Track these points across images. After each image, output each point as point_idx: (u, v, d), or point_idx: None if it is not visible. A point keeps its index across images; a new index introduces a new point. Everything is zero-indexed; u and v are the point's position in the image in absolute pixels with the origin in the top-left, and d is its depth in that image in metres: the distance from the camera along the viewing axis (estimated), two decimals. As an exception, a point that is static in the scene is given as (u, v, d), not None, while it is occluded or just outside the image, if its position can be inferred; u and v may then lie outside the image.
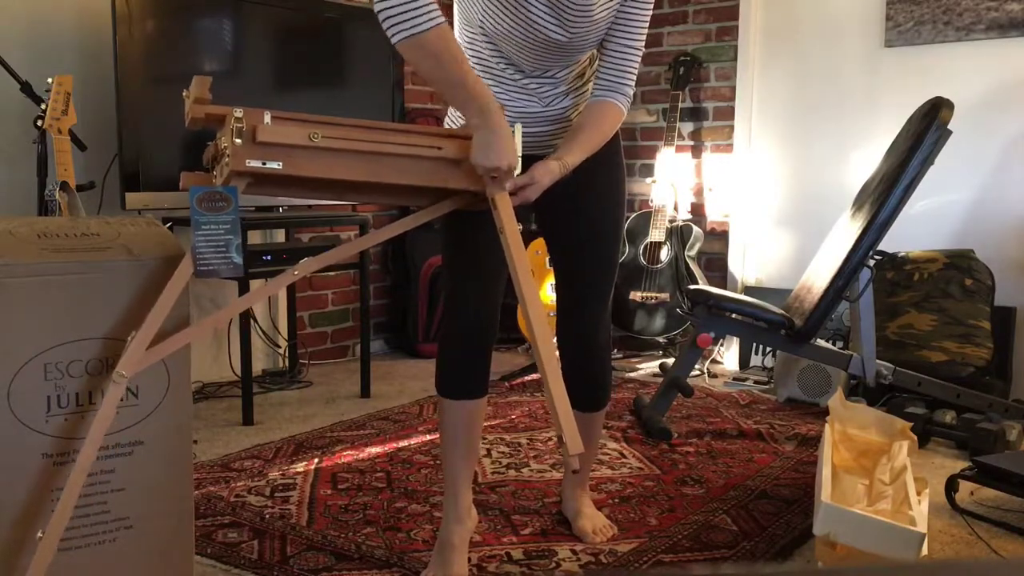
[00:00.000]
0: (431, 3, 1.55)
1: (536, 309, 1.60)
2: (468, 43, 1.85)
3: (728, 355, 4.10)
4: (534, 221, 2.01)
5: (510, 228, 1.63)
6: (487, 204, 1.68)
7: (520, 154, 1.69)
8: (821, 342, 3.16)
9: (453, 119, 1.93)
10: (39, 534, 1.39)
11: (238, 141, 1.44)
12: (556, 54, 1.79)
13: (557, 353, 1.71)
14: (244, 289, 3.09)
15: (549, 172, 1.71)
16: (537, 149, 1.87)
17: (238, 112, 1.45)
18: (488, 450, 2.78)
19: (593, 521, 2.15)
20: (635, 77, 1.85)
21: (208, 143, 1.58)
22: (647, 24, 1.85)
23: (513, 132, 1.66)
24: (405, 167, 1.58)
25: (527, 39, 1.75)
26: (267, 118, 1.47)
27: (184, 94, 1.50)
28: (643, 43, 1.85)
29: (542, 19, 1.72)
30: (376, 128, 1.57)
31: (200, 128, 1.53)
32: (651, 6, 1.83)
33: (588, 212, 1.93)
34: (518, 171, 1.67)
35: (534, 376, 3.75)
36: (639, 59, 1.85)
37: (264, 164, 1.47)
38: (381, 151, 1.56)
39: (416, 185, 1.61)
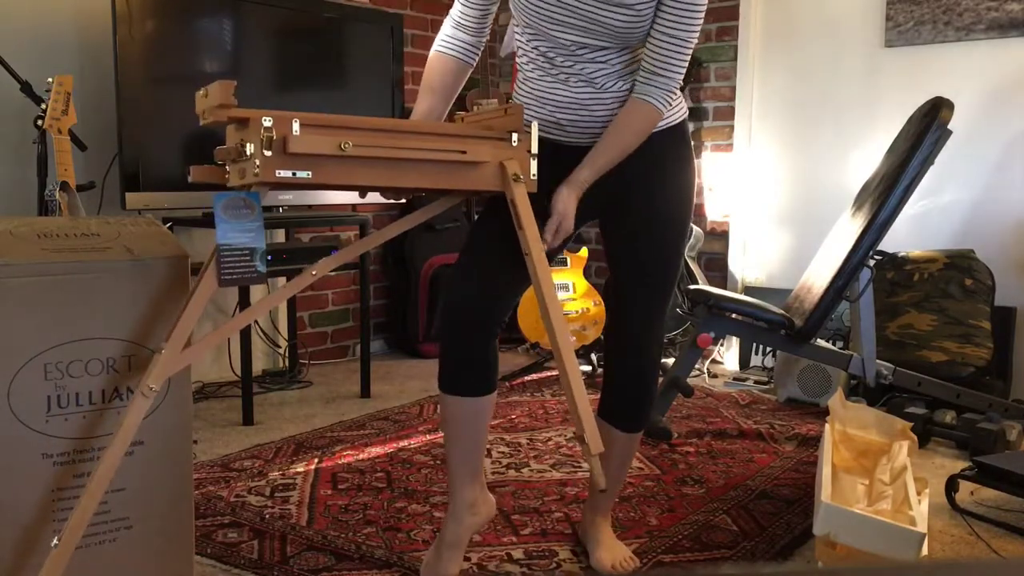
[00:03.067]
0: (448, 29, 1.86)
1: (554, 302, 1.60)
2: (521, 45, 1.86)
3: (728, 355, 4.10)
4: (598, 225, 1.95)
5: (528, 224, 1.62)
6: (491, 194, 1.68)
7: (535, 151, 1.67)
8: (821, 342, 3.16)
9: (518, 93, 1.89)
10: (54, 541, 1.38)
11: (268, 153, 1.40)
12: (601, 37, 1.74)
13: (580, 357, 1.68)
14: (245, 290, 3.09)
15: (566, 199, 1.69)
16: (597, 136, 1.81)
17: (267, 121, 1.40)
18: (488, 450, 2.78)
19: (613, 553, 1.98)
20: (676, 71, 1.72)
21: (220, 147, 1.53)
22: (692, 14, 1.69)
23: (529, 130, 1.66)
24: (429, 171, 1.57)
25: (568, 19, 1.72)
26: (296, 127, 1.43)
27: (201, 93, 1.45)
28: (687, 34, 1.69)
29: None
30: (402, 132, 1.55)
31: (214, 125, 1.48)
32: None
33: (640, 222, 1.86)
34: (533, 166, 1.68)
35: (534, 376, 3.76)
36: (680, 51, 1.70)
37: (294, 174, 1.44)
38: (407, 157, 1.54)
39: (438, 188, 1.61)
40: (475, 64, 1.88)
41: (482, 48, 1.89)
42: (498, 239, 1.76)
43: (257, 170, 1.42)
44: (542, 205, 1.74)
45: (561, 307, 1.63)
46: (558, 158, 1.80)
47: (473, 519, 1.93)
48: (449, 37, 1.85)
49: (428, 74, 1.86)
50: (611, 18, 1.70)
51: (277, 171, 1.42)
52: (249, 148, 1.42)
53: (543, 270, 1.62)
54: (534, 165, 1.68)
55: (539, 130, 1.81)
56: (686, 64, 1.74)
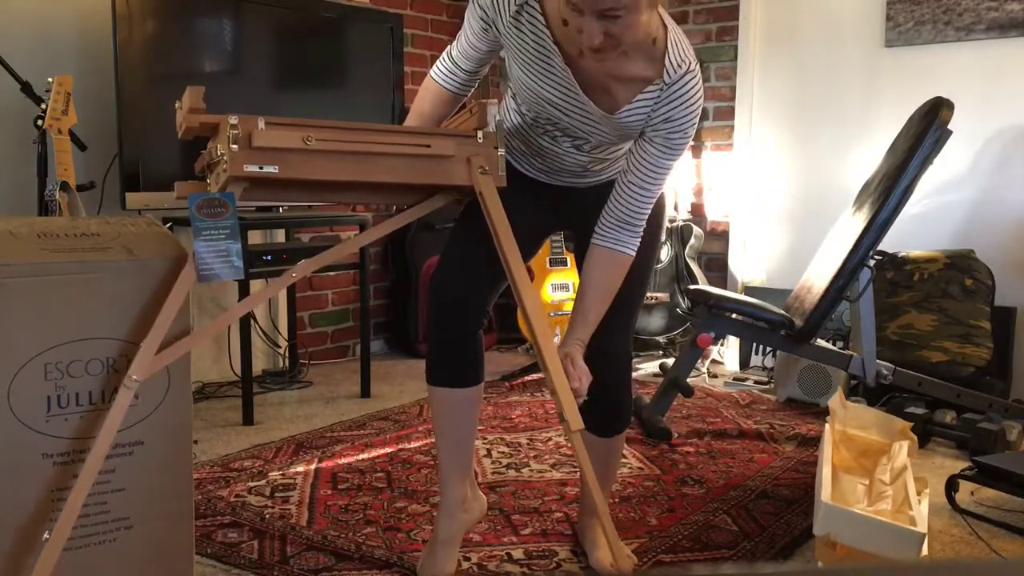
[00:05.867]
0: (447, 63, 1.84)
1: (526, 285, 1.65)
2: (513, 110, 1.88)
3: (728, 355, 4.10)
4: (570, 239, 1.98)
5: (496, 215, 1.66)
6: (475, 196, 1.71)
7: (502, 150, 1.70)
8: (821, 342, 3.16)
9: (507, 111, 1.92)
10: (45, 535, 1.39)
11: (235, 147, 1.47)
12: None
13: (556, 338, 1.71)
14: (244, 289, 3.09)
15: (574, 358, 1.67)
16: (578, 176, 1.86)
17: (233, 119, 1.48)
18: (488, 450, 2.78)
19: (610, 552, 1.99)
20: (645, 216, 1.73)
21: (201, 151, 1.60)
22: (666, 172, 1.71)
23: (494, 129, 1.70)
24: (395, 166, 1.62)
25: (558, 124, 1.77)
26: (261, 124, 1.50)
27: (176, 105, 1.53)
28: (657, 186, 1.71)
29: (563, 148, 1.78)
30: (367, 129, 1.61)
31: (193, 137, 1.56)
32: (671, 153, 1.68)
33: None
34: (501, 163, 1.71)
35: (534, 376, 3.75)
36: (650, 201, 1.73)
37: (261, 168, 1.50)
38: (372, 151, 1.60)
39: (406, 183, 1.65)
40: (469, 95, 1.91)
41: (478, 82, 1.90)
42: (478, 233, 1.78)
43: (225, 166, 1.48)
44: (526, 219, 1.80)
45: (534, 290, 1.67)
46: (535, 190, 1.88)
47: (466, 516, 1.96)
48: (448, 72, 1.85)
49: (421, 98, 1.88)
50: (597, 135, 1.74)
51: (244, 165, 1.49)
52: (219, 149, 1.49)
53: (514, 256, 1.66)
54: (502, 162, 1.71)
55: (520, 166, 1.88)
56: (652, 206, 1.75)
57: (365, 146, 1.59)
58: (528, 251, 1.91)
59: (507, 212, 1.69)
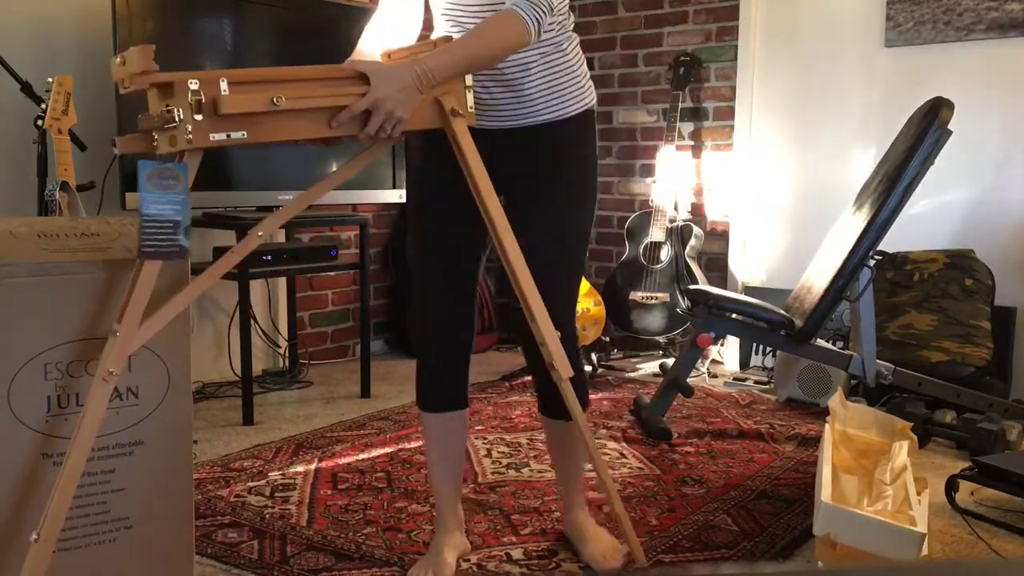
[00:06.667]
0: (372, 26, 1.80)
1: (508, 236, 1.65)
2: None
3: (728, 355, 4.10)
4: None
5: (471, 157, 1.62)
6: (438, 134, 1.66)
7: (470, 83, 1.65)
8: (821, 342, 3.16)
9: None
10: (33, 535, 1.38)
11: (199, 117, 1.36)
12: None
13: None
14: (244, 288, 3.09)
15: (389, 78, 1.52)
16: (514, 116, 1.78)
17: (193, 84, 1.36)
18: (488, 450, 2.78)
19: (601, 544, 2.00)
20: None
21: (144, 115, 1.43)
22: None
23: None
24: (365, 116, 1.53)
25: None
26: (224, 86, 1.38)
27: (117, 60, 1.38)
28: None
29: None
30: (332, 78, 1.52)
31: (136, 94, 1.42)
32: None
33: (536, 215, 1.81)
34: (470, 98, 1.67)
35: (534, 376, 3.75)
36: None
37: (229, 136, 1.40)
38: (341, 104, 1.51)
39: None
40: (409, 37, 1.83)
41: (417, 27, 1.85)
42: (445, 239, 1.80)
43: (189, 136, 1.36)
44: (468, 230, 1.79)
45: (513, 235, 1.65)
46: (495, 145, 1.79)
47: (461, 539, 2.01)
48: (374, 30, 1.80)
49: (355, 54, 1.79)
50: None
51: (211, 135, 1.38)
52: (178, 114, 1.36)
53: (491, 199, 1.63)
54: (470, 97, 1.64)
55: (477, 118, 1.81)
56: None
57: (333, 100, 1.49)
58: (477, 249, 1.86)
59: (444, 228, 1.71)
